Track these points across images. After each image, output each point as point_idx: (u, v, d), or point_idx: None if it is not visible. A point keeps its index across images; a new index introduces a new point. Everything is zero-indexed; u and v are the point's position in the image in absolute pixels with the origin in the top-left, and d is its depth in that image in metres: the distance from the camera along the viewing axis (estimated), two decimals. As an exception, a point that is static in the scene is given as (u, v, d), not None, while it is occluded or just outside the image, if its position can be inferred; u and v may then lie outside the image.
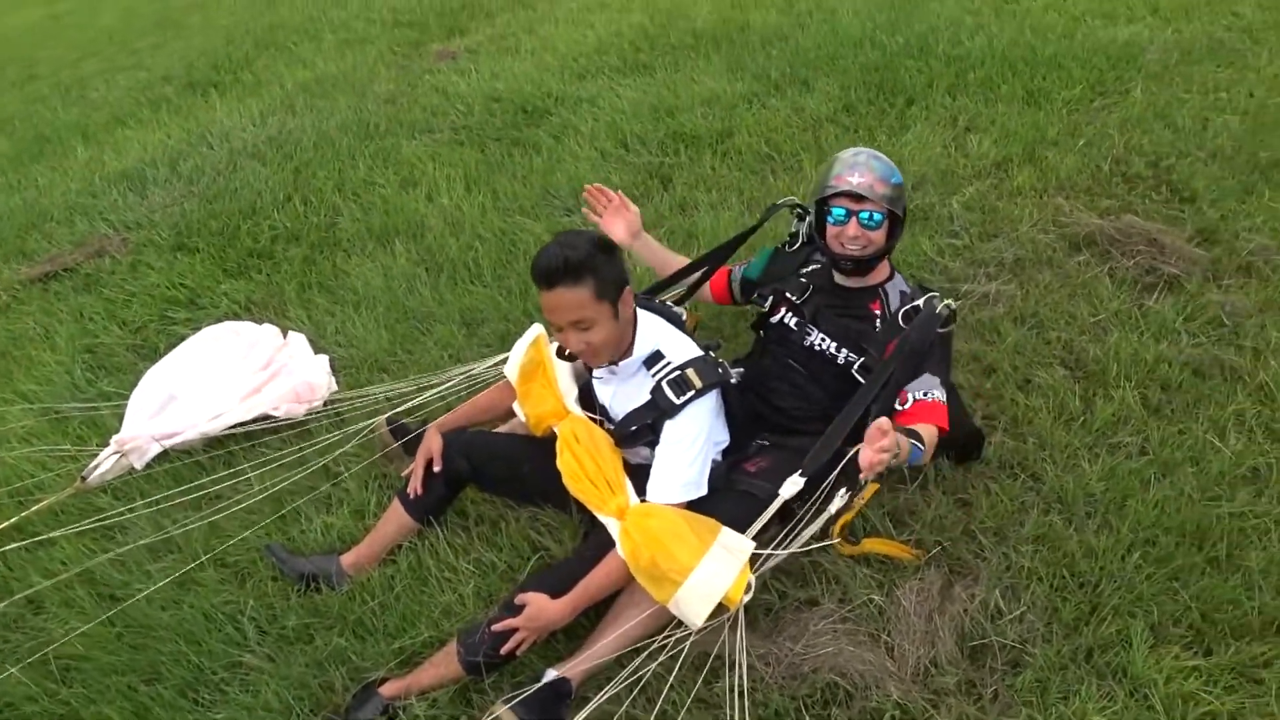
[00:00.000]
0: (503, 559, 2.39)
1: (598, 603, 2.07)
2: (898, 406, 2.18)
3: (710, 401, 2.13)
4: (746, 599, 1.94)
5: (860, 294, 2.36)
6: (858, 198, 2.21)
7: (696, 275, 2.72)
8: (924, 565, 2.22)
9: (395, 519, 2.43)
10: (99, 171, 5.29)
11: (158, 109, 6.20)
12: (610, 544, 2.06)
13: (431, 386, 2.91)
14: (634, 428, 2.13)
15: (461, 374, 2.93)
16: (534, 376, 2.38)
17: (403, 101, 5.42)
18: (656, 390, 2.09)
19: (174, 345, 3.44)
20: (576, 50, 5.78)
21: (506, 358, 2.59)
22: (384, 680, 2.13)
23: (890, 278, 2.38)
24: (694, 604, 1.92)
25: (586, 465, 2.14)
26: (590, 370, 2.30)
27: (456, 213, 4.06)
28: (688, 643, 1.98)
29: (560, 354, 2.35)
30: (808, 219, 2.55)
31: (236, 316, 3.61)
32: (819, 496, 2.07)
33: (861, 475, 1.89)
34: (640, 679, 1.96)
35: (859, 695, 1.95)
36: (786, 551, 2.06)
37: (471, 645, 2.03)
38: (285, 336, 3.34)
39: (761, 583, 2.09)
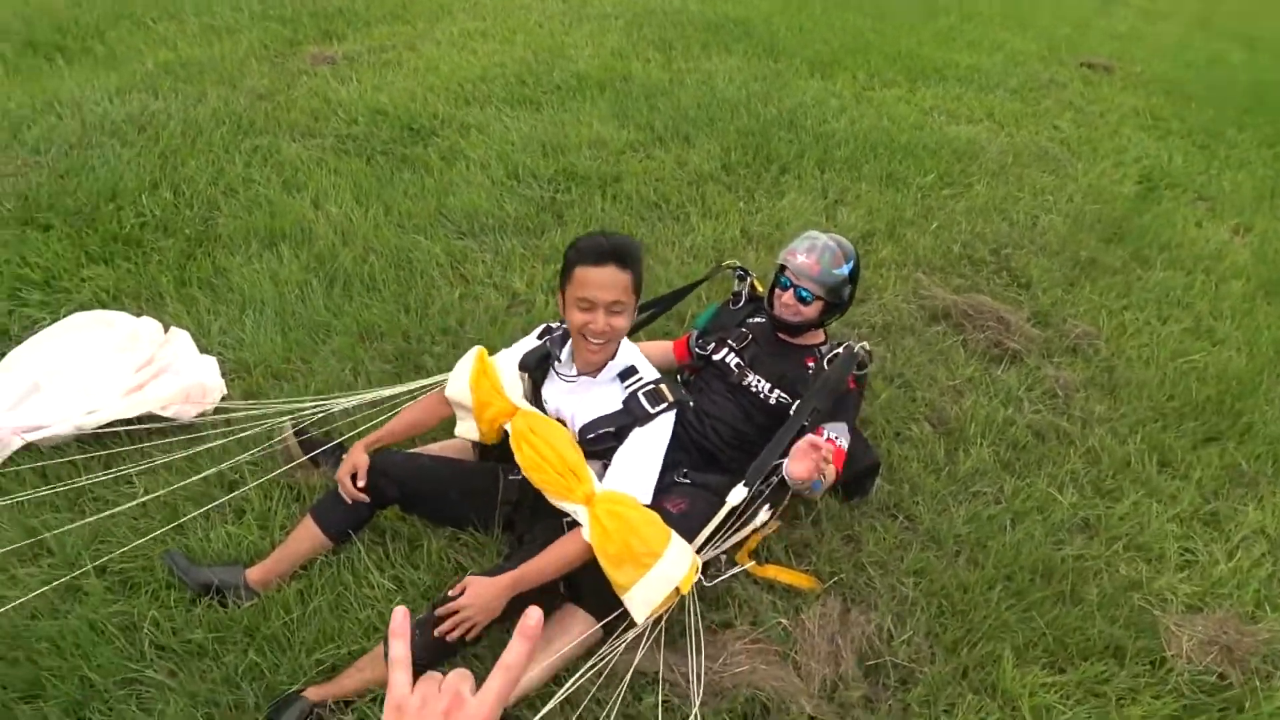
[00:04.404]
0: (423, 578, 2.37)
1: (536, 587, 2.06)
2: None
3: (673, 418, 2.24)
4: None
5: (798, 349, 2.61)
6: (798, 274, 2.47)
7: (643, 315, 2.88)
8: (824, 593, 2.45)
9: (308, 535, 2.35)
10: (-85, 123, 4.69)
11: (-11, 66, 5.58)
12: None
13: (331, 401, 2.83)
14: (598, 431, 2.21)
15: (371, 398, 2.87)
16: (480, 387, 2.36)
17: (280, 100, 5.19)
18: (630, 399, 2.20)
19: (29, 329, 3.17)
20: (460, 75, 5.78)
21: (416, 385, 2.63)
22: (303, 689, 2.07)
23: (825, 342, 2.66)
24: (655, 588, 2.03)
25: (548, 455, 2.14)
26: (543, 376, 2.36)
27: (347, 223, 3.97)
28: (617, 657, 2.10)
29: (522, 366, 2.37)
30: (747, 279, 2.84)
31: (104, 305, 3.34)
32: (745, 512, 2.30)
33: (795, 479, 2.19)
34: (575, 698, 2.04)
35: (775, 710, 2.13)
36: (727, 544, 2.30)
37: None
38: (167, 332, 3.15)
39: (679, 603, 2.22)
